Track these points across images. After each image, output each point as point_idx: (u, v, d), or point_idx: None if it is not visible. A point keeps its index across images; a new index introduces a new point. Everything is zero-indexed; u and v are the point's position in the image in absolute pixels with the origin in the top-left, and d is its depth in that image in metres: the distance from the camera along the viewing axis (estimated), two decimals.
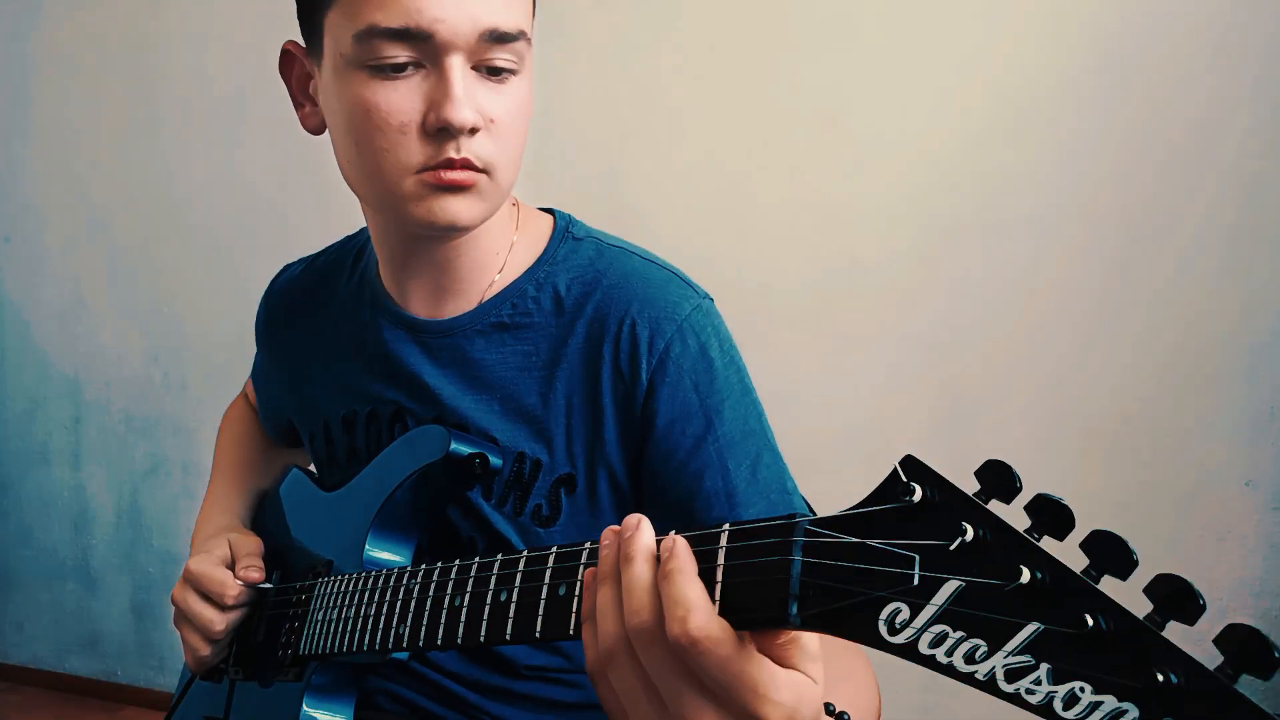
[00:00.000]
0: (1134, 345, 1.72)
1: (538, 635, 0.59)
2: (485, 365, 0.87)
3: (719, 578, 0.49)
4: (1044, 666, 0.37)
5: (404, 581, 0.74)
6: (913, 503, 0.43)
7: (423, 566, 0.73)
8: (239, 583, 0.92)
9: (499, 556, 0.65)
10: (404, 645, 0.72)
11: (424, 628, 0.70)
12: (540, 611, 0.60)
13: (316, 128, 0.87)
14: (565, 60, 2.03)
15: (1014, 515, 0.41)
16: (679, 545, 0.50)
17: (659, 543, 0.52)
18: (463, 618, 0.66)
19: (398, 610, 0.73)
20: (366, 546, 0.86)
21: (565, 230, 0.91)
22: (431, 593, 0.70)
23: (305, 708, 0.84)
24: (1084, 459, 1.74)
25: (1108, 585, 0.38)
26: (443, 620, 0.68)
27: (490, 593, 0.64)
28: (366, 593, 0.79)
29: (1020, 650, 0.38)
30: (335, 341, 0.98)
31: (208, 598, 0.92)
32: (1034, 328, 1.78)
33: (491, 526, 0.87)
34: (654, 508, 0.83)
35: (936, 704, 1.81)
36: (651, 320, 0.83)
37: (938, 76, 1.81)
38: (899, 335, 1.86)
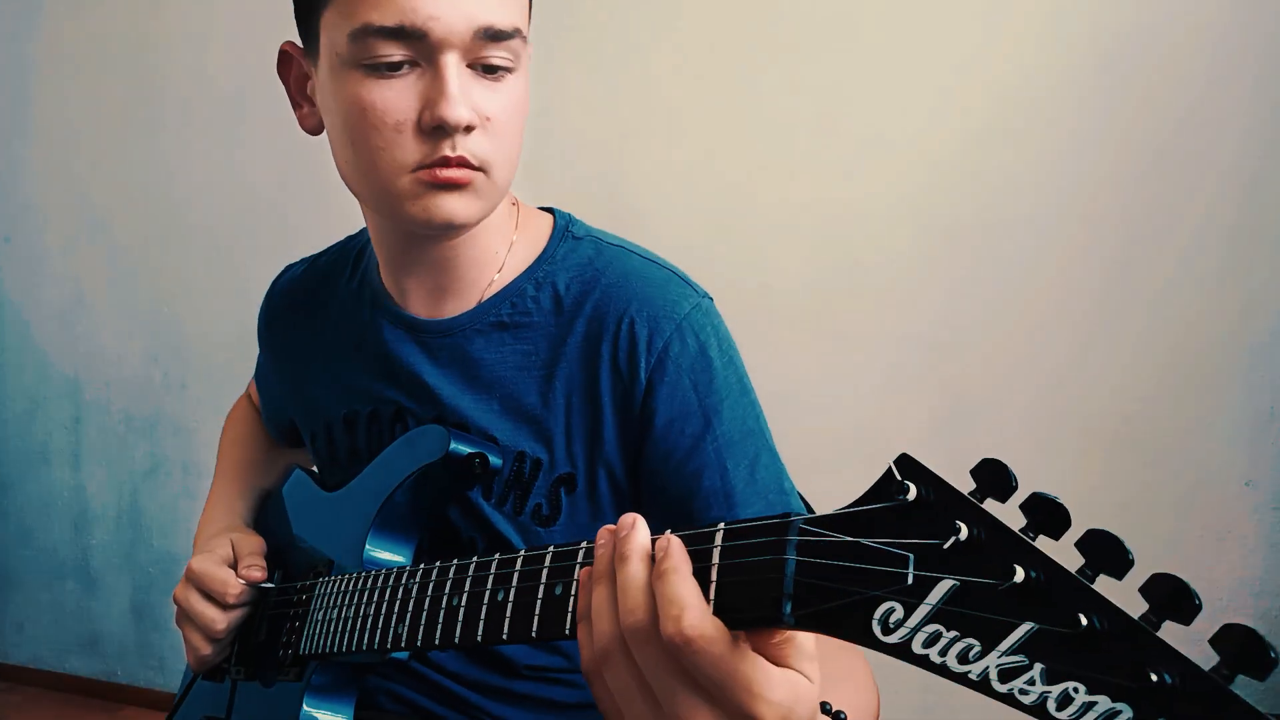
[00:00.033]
0: (1134, 345, 1.72)
1: (534, 635, 0.59)
2: (485, 365, 0.87)
3: (714, 577, 0.49)
4: (1038, 666, 0.37)
5: (402, 581, 0.74)
6: (907, 501, 0.43)
7: (421, 566, 0.73)
8: (241, 582, 0.92)
9: (496, 556, 0.65)
10: (402, 645, 0.72)
11: (422, 627, 0.70)
12: (537, 611, 0.60)
13: (315, 128, 0.87)
14: (565, 60, 2.03)
15: (1010, 514, 0.41)
16: (673, 544, 0.50)
17: (654, 542, 0.52)
18: (460, 617, 0.66)
19: (396, 610, 0.73)
20: (367, 546, 0.86)
21: (565, 229, 0.91)
22: (430, 592, 0.70)
23: (305, 707, 0.84)
24: (1084, 459, 1.74)
25: (1103, 585, 0.38)
26: (440, 620, 0.68)
27: (487, 592, 0.64)
28: (365, 592, 0.79)
29: (1014, 650, 0.38)
30: (336, 341, 0.98)
31: (210, 597, 0.92)
32: (1034, 328, 1.78)
33: (492, 526, 0.87)
34: (653, 507, 0.83)
35: (936, 704, 1.81)
36: (650, 319, 0.83)
37: (938, 76, 1.81)
38: (899, 335, 1.86)
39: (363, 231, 1.02)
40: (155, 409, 2.60)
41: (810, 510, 0.81)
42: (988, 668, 0.38)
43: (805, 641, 0.48)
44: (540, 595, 0.60)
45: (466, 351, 0.88)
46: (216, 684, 0.98)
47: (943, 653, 0.40)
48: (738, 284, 1.85)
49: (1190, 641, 0.35)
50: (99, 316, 2.64)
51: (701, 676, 0.47)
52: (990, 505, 0.41)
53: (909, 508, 0.43)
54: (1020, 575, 0.38)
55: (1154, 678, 0.34)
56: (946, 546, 0.40)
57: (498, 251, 0.89)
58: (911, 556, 0.41)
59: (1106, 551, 0.38)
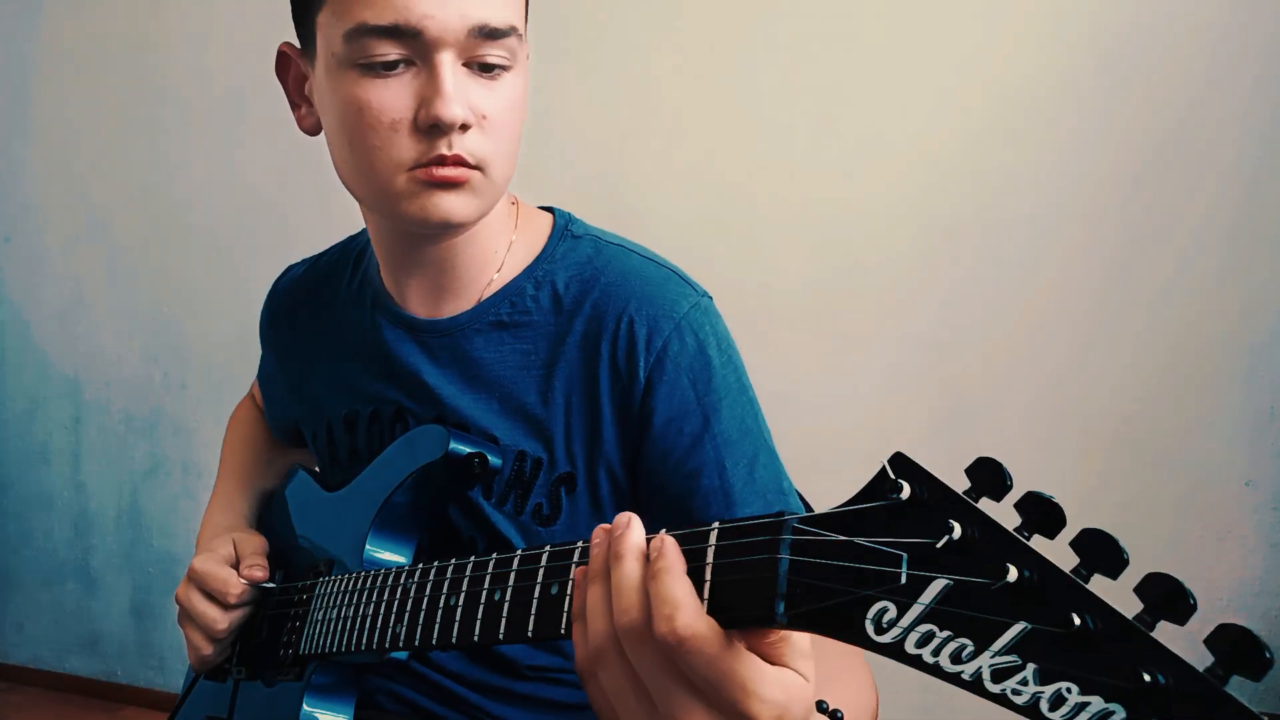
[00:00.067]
0: (1134, 345, 1.71)
1: (530, 634, 0.59)
2: (485, 364, 0.87)
3: (708, 576, 0.49)
4: (1031, 666, 0.37)
5: (400, 581, 0.74)
6: (901, 500, 0.42)
7: (420, 566, 0.73)
8: (242, 581, 0.92)
9: (494, 556, 0.65)
10: (401, 645, 0.72)
11: (420, 627, 0.70)
12: (533, 611, 0.60)
13: (312, 128, 0.87)
14: (565, 60, 2.03)
15: (1005, 513, 0.41)
16: (667, 544, 0.50)
17: (649, 541, 0.52)
18: (457, 617, 0.66)
19: (394, 610, 0.73)
20: (367, 546, 0.86)
21: (564, 228, 0.91)
22: (428, 592, 0.70)
23: (305, 707, 0.84)
24: (1084, 459, 1.74)
25: (1098, 584, 0.38)
26: (438, 620, 0.68)
27: (484, 592, 0.64)
28: (364, 592, 0.79)
29: (1007, 650, 0.38)
30: (337, 341, 0.98)
31: (211, 596, 0.92)
32: (1034, 328, 1.77)
33: (492, 526, 0.87)
34: (652, 506, 0.83)
35: (936, 704, 1.81)
36: (649, 318, 0.83)
37: (938, 76, 1.81)
38: (899, 335, 1.86)
39: (363, 232, 1.02)
40: (155, 409, 2.60)
41: (809, 510, 0.81)
42: (981, 668, 0.38)
43: (800, 640, 0.48)
44: (536, 595, 0.60)
45: (466, 351, 0.88)
46: (219, 684, 0.98)
47: (936, 653, 0.40)
48: (738, 284, 1.85)
49: (1186, 642, 0.35)
50: (99, 316, 2.64)
51: (695, 676, 0.47)
52: (985, 504, 0.41)
53: (903, 507, 0.42)
54: (1013, 575, 0.38)
55: (1147, 678, 0.34)
56: (940, 546, 0.40)
57: (497, 251, 0.89)
58: (905, 556, 0.41)
59: (1101, 551, 0.38)
